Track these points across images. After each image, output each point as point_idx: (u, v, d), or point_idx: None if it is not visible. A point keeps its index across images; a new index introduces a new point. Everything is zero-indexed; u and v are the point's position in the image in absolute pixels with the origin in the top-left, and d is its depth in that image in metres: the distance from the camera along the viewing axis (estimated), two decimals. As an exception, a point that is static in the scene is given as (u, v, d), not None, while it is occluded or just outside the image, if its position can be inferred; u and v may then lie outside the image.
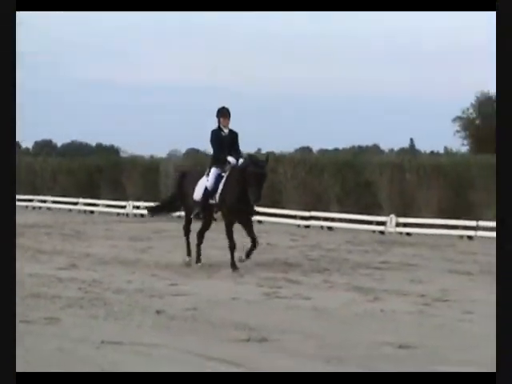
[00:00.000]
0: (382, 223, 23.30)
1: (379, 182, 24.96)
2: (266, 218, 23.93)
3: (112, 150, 63.02)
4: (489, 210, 21.31)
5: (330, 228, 24.21)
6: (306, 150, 53.69)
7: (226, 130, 14.26)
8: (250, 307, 9.74)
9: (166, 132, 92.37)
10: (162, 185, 29.61)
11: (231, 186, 13.88)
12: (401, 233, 22.32)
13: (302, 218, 24.64)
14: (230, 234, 13.85)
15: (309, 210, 24.86)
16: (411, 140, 68.66)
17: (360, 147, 66.48)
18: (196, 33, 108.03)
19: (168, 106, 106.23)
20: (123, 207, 29.96)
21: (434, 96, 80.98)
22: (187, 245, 14.52)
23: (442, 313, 9.52)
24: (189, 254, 14.39)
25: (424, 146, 68.95)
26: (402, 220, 22.67)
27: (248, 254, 13.70)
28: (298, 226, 24.34)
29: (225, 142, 14.22)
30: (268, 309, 9.65)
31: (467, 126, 51.20)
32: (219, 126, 14.27)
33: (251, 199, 13.46)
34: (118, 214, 29.90)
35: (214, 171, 14.20)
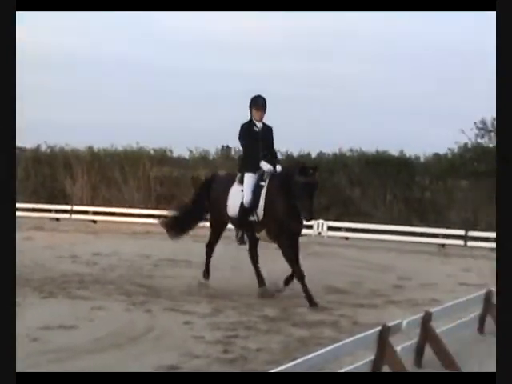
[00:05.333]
0: None
1: None
2: None
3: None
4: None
5: None
6: None
7: (259, 125, 11.84)
8: None
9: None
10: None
11: (278, 199, 11.40)
12: None
13: None
14: (291, 257, 11.32)
15: None
16: None
17: None
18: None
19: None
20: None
21: None
22: (206, 264, 12.56)
23: None
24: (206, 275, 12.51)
25: None
26: None
27: (287, 281, 11.58)
28: None
29: (258, 139, 11.79)
30: None
31: None
32: (251, 120, 11.86)
33: (303, 215, 11.09)
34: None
35: (249, 179, 11.73)
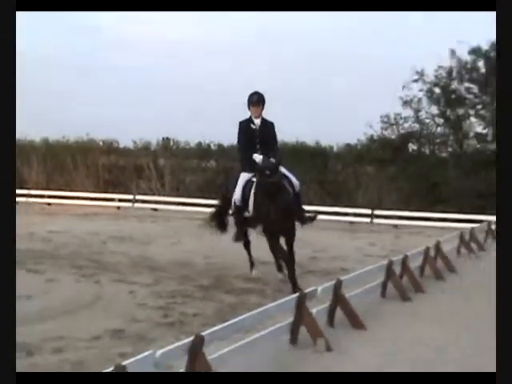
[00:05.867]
0: None
1: None
2: None
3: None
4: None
5: None
6: None
7: (257, 122, 11.51)
8: None
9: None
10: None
11: (260, 195, 11.00)
12: None
13: None
14: (273, 251, 11.44)
15: None
16: None
17: None
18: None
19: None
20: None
21: None
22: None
23: None
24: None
25: None
26: None
27: (294, 287, 10.80)
28: None
29: (255, 136, 11.46)
30: None
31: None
32: (250, 117, 11.57)
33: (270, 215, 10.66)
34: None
35: (242, 176, 11.56)
